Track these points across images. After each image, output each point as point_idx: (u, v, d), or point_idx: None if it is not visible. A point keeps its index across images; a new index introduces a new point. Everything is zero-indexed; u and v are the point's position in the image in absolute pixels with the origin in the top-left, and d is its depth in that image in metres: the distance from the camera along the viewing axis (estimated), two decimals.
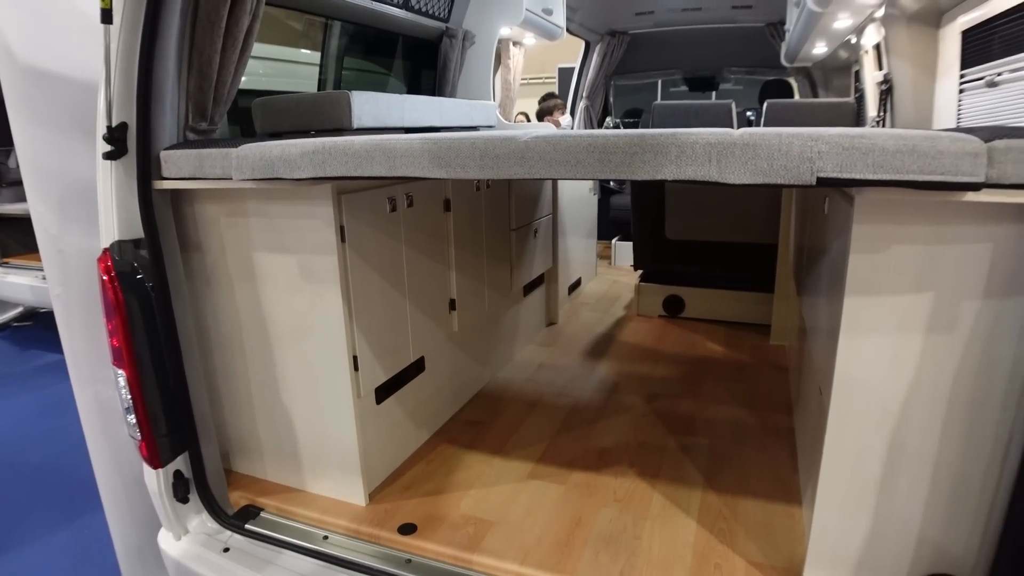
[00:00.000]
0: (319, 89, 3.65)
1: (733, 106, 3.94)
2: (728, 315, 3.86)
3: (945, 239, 1.28)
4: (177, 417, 1.99)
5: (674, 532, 1.89)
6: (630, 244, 4.26)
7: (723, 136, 1.16)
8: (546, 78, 11.09)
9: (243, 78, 2.20)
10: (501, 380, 3.04)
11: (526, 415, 2.67)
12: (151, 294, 1.89)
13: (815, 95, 5.80)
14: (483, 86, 3.92)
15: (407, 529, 1.92)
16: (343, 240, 1.85)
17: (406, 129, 2.72)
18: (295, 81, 3.90)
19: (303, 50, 3.64)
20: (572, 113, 6.27)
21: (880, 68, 3.28)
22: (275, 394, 2.10)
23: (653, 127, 3.91)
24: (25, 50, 2.05)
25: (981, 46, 2.27)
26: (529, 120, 5.54)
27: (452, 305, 2.52)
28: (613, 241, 5.65)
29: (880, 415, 1.42)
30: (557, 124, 5.71)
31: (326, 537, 1.93)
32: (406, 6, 3.18)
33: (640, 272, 4.16)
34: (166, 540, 2.02)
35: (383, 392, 2.15)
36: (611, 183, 5.87)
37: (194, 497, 2.04)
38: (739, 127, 3.98)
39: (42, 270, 5.39)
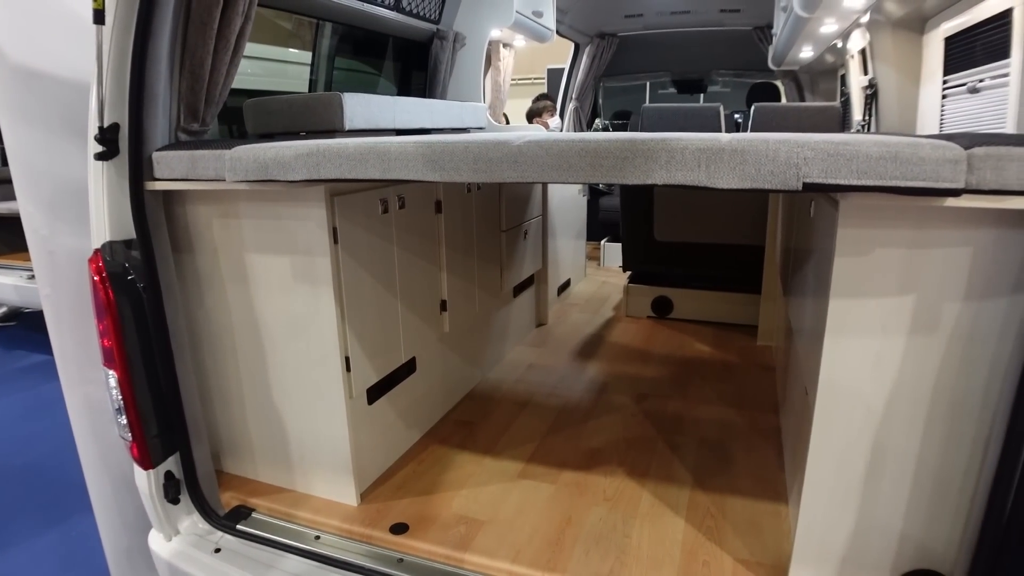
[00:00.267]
0: (310, 89, 3.66)
1: (721, 109, 3.98)
2: (716, 316, 3.90)
3: (927, 243, 1.31)
4: (168, 418, 1.99)
5: (663, 530, 1.92)
6: (619, 245, 4.30)
7: (712, 142, 1.19)
8: (535, 79, 11.12)
9: (240, 60, 2.20)
10: (492, 380, 3.06)
11: (516, 415, 2.69)
12: (142, 295, 1.90)
13: (801, 98, 5.86)
14: (474, 88, 3.94)
15: (399, 529, 1.94)
16: (336, 241, 1.86)
17: (397, 131, 2.74)
18: (286, 81, 3.91)
19: (294, 50, 3.65)
20: (561, 115, 6.29)
21: (865, 73, 3.33)
22: (267, 395, 2.11)
23: (642, 130, 3.95)
24: (15, 50, 2.05)
25: (963, 53, 2.32)
26: (509, 122, 5.55)
27: (443, 306, 2.54)
28: (602, 242, 5.69)
29: (864, 415, 1.45)
30: (546, 126, 5.73)
31: (318, 537, 1.94)
32: (397, 8, 3.19)
33: (629, 273, 4.19)
34: (156, 541, 2.02)
35: (375, 393, 2.17)
36: (600, 185, 5.90)
37: (185, 498, 2.04)
38: (727, 130, 4.03)
39: (27, 270, 5.35)
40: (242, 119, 2.58)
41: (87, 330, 2.09)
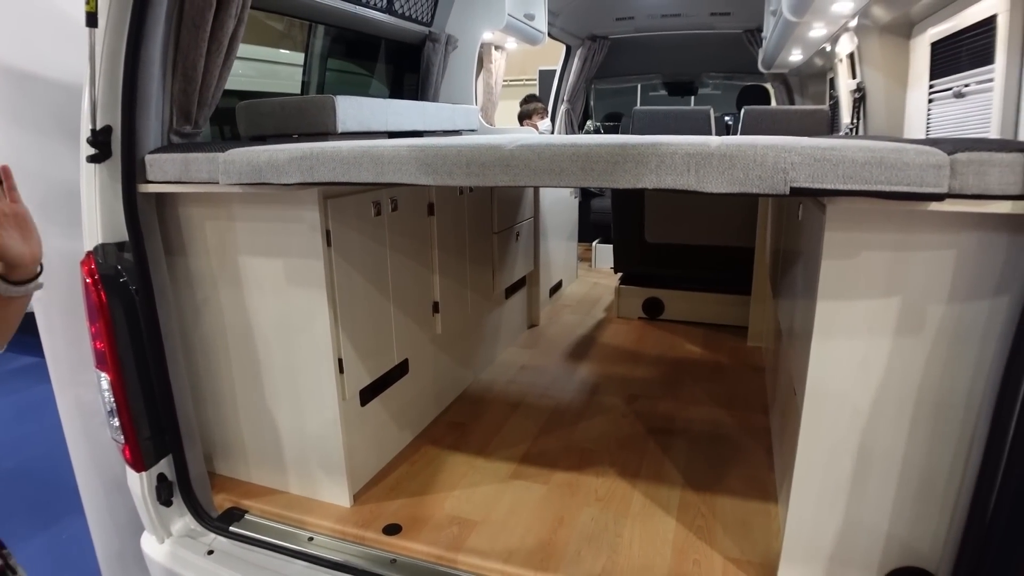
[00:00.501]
0: (302, 91, 3.66)
1: (711, 112, 4.01)
2: (706, 317, 3.93)
3: (912, 246, 1.33)
4: (161, 420, 2.00)
5: (654, 530, 1.93)
6: (610, 246, 4.32)
7: (701, 147, 1.21)
8: (527, 80, 11.12)
9: (233, 63, 2.21)
10: (484, 381, 3.07)
11: (509, 416, 2.70)
12: (135, 297, 1.90)
13: (791, 100, 5.90)
14: (466, 90, 3.95)
15: (392, 530, 1.95)
16: (328, 244, 1.87)
17: (390, 133, 2.75)
18: (277, 82, 3.90)
19: (286, 51, 3.64)
20: (553, 117, 6.31)
21: (854, 76, 3.36)
22: (260, 397, 2.11)
23: (633, 132, 3.98)
24: (7, 51, 2.04)
25: (949, 58, 2.35)
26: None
27: (435, 308, 2.55)
28: (594, 243, 5.71)
29: (851, 415, 1.47)
30: (535, 128, 5.75)
31: (311, 538, 1.95)
32: (389, 10, 3.20)
33: (620, 275, 4.22)
34: (149, 544, 2.02)
35: (367, 394, 2.18)
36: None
37: (178, 500, 2.05)
38: (717, 132, 4.06)
39: None
40: (234, 120, 2.59)
41: (79, 332, 2.08)
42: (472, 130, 3.68)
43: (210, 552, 1.95)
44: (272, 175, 1.60)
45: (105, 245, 1.90)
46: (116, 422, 1.94)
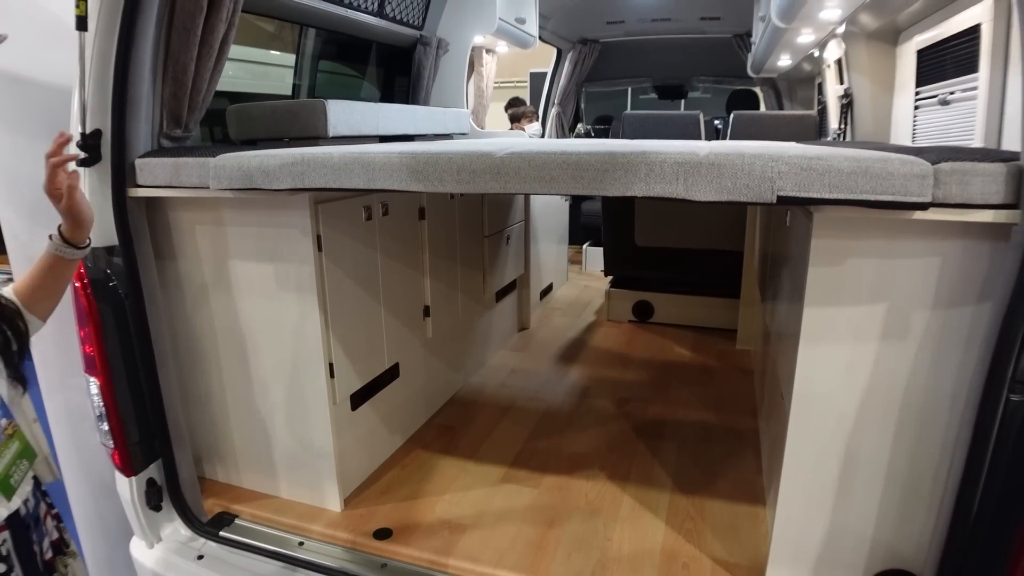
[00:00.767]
0: (293, 93, 3.65)
1: (701, 117, 4.04)
2: (696, 320, 3.95)
3: (897, 253, 1.35)
4: (150, 425, 1.99)
5: (643, 533, 1.95)
6: (601, 249, 4.34)
7: (690, 156, 1.22)
8: (517, 82, 11.12)
9: (224, 67, 2.21)
10: (474, 385, 3.08)
11: (499, 420, 2.71)
12: (124, 301, 1.89)
13: (780, 105, 5.94)
14: (457, 93, 3.96)
15: (382, 534, 1.95)
16: (320, 249, 1.87)
17: (381, 137, 2.75)
18: (268, 83, 3.90)
19: (277, 52, 3.64)
20: (544, 120, 6.32)
21: (841, 82, 3.39)
22: (250, 401, 2.11)
23: (623, 136, 4.00)
24: None
25: (934, 65, 2.38)
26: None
27: (426, 312, 2.56)
28: (584, 246, 5.73)
29: (837, 419, 1.49)
30: (523, 131, 5.76)
31: (302, 543, 1.95)
32: (380, 14, 3.21)
33: (610, 278, 4.24)
34: (138, 549, 2.02)
35: (358, 398, 2.18)
36: None
37: (167, 505, 2.04)
38: (707, 136, 4.08)
39: (6, 274, 5.27)
40: (223, 121, 2.58)
41: (68, 336, 2.07)
42: (463, 133, 3.69)
43: (200, 557, 1.95)
44: (263, 181, 1.60)
45: (95, 249, 1.89)
46: (105, 427, 1.94)
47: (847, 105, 3.26)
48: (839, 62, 3.37)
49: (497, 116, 6.50)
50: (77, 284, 1.84)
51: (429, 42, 3.66)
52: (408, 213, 2.38)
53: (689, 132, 3.97)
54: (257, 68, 4.12)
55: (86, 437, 2.23)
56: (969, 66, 2.00)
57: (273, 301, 1.96)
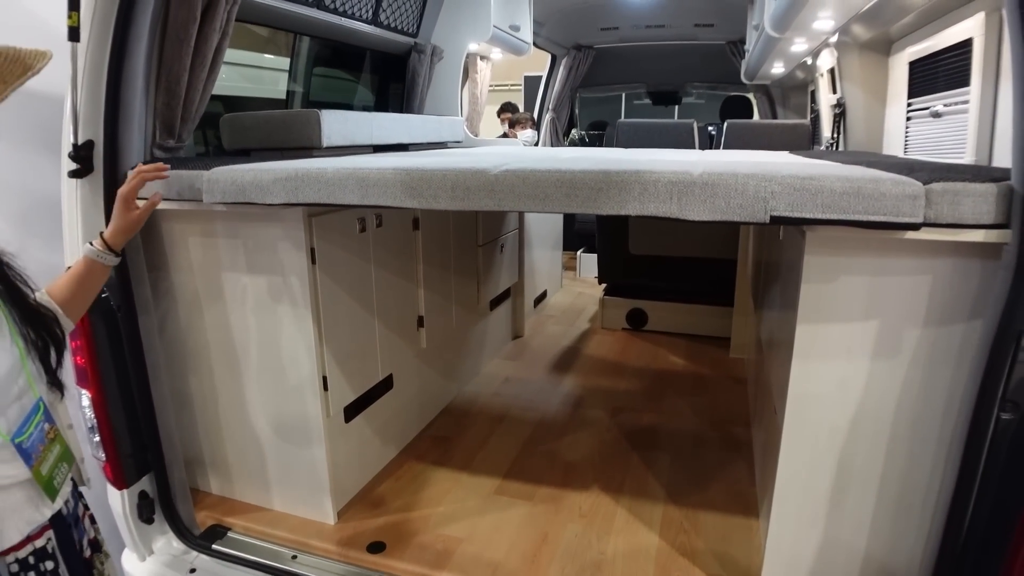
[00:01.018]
0: (287, 98, 3.64)
1: (695, 125, 4.04)
2: (689, 328, 3.96)
3: (889, 271, 1.36)
4: (143, 437, 1.98)
5: (637, 546, 1.95)
6: (595, 256, 4.35)
7: (684, 175, 1.22)
8: (512, 85, 11.12)
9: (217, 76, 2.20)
10: (468, 394, 3.08)
11: (493, 430, 2.70)
12: (117, 313, 1.88)
13: (773, 111, 5.96)
14: (451, 100, 3.96)
15: (376, 547, 1.95)
16: (313, 262, 1.87)
17: (375, 147, 2.75)
18: (263, 87, 3.88)
19: (271, 56, 3.63)
20: (538, 126, 6.33)
21: (834, 91, 3.40)
22: (243, 413, 2.10)
23: (617, 144, 4.00)
24: None
25: (926, 77, 2.39)
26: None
27: (420, 322, 2.55)
28: (578, 253, 5.73)
29: (829, 435, 1.49)
30: (515, 137, 5.77)
31: (295, 556, 1.94)
32: (375, 22, 3.21)
33: (604, 286, 4.24)
34: (130, 561, 2.00)
35: (352, 411, 2.17)
36: None
37: (159, 517, 2.03)
38: (700, 144, 4.09)
39: None
40: (217, 125, 2.57)
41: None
42: (458, 141, 3.69)
43: (192, 571, 1.94)
44: (256, 195, 1.60)
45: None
46: (97, 439, 1.92)
47: (840, 115, 3.27)
48: (832, 71, 3.38)
49: (491, 121, 6.50)
50: None
51: (423, 49, 3.66)
52: (402, 224, 2.37)
53: (683, 140, 3.97)
54: (251, 72, 4.11)
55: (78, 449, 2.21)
56: (961, 80, 2.01)
57: (266, 314, 1.95)
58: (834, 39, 3.10)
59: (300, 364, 1.95)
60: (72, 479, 1.40)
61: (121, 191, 1.59)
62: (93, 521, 1.51)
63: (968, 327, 1.34)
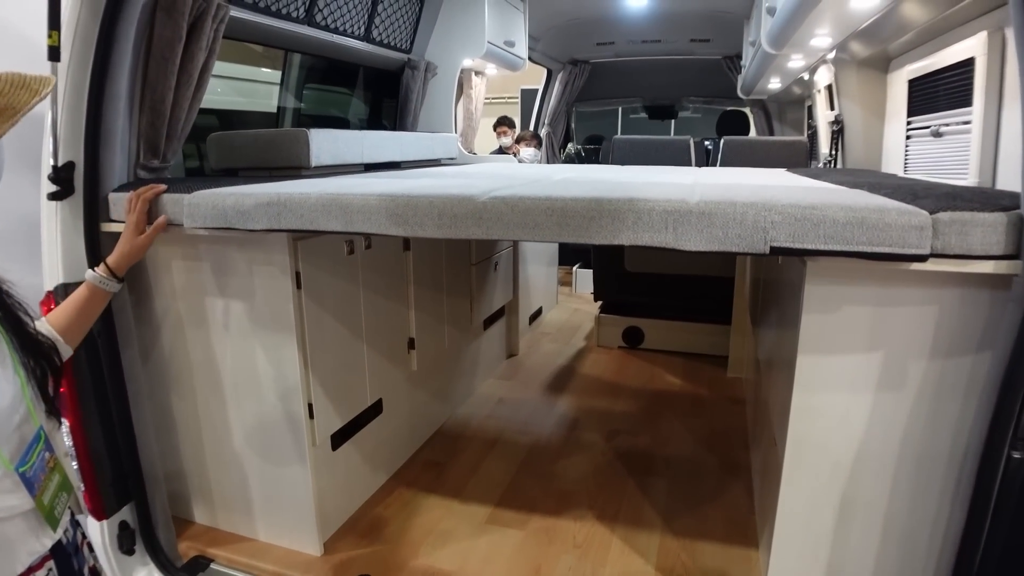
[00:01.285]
0: (278, 114, 3.60)
1: (691, 141, 4.00)
2: (686, 346, 3.90)
3: (893, 301, 1.31)
4: (123, 466, 1.93)
5: None
6: (591, 271, 4.30)
7: (679, 203, 1.17)
8: (508, 98, 11.13)
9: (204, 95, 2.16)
10: (461, 416, 3.01)
11: (485, 454, 2.64)
12: (97, 339, 1.83)
13: (770, 126, 5.94)
14: (445, 116, 3.92)
15: None
16: (298, 287, 1.81)
17: (366, 166, 2.70)
18: (257, 101, 3.84)
19: (267, 70, 3.59)
20: (541, 143, 6.28)
21: (832, 107, 3.37)
22: (227, 441, 2.04)
23: (612, 161, 3.96)
24: None
25: (926, 96, 2.35)
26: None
27: (411, 344, 2.49)
28: (574, 268, 5.68)
29: (832, 470, 1.44)
30: (516, 155, 5.71)
31: None
32: (367, 38, 3.17)
33: (600, 303, 4.18)
34: None
35: (339, 438, 2.11)
36: None
37: (140, 548, 1.97)
38: (697, 159, 4.05)
39: None
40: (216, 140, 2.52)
41: None
42: (451, 158, 3.64)
43: None
44: (238, 220, 1.55)
45: (67, 285, 1.82)
46: (75, 467, 1.86)
47: (838, 131, 3.23)
48: (829, 87, 3.35)
49: (487, 135, 6.47)
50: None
51: (417, 65, 3.62)
52: (392, 245, 2.32)
53: (679, 156, 3.93)
54: (244, 86, 4.07)
55: None
56: (963, 100, 1.97)
57: (251, 340, 1.90)
58: (831, 56, 3.07)
59: (285, 392, 1.90)
60: (70, 508, 1.37)
61: (133, 219, 1.66)
62: (91, 549, 1.48)
63: (976, 360, 1.29)
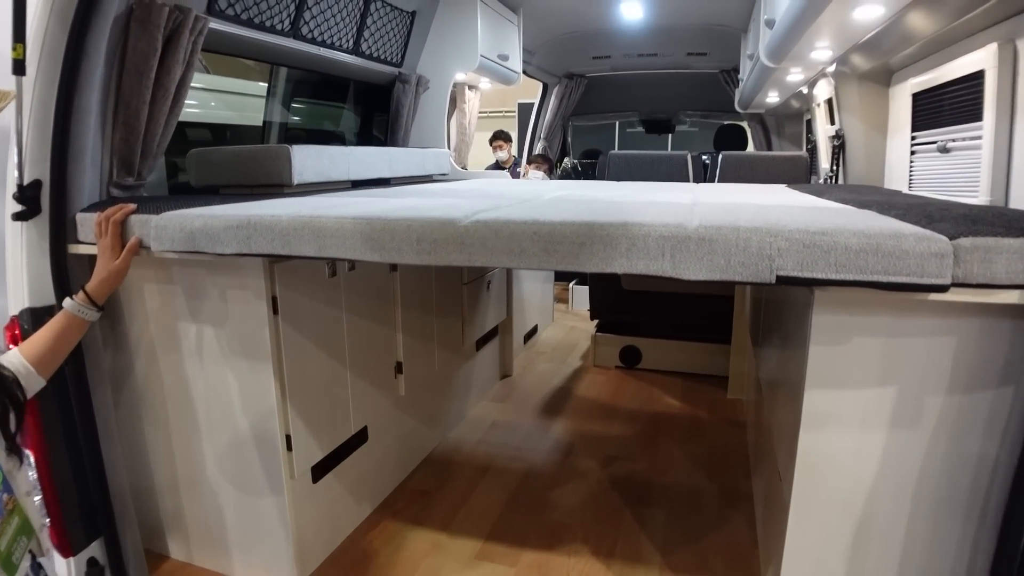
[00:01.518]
0: (263, 129, 3.51)
1: (689, 156, 3.91)
2: (685, 367, 3.80)
3: (908, 331, 1.21)
4: (92, 499, 1.82)
5: None
6: (588, 288, 4.20)
7: (677, 229, 1.08)
8: (506, 112, 11.10)
9: (192, 109, 2.08)
10: (452, 441, 2.90)
11: (476, 482, 2.53)
12: (64, 367, 1.72)
13: (768, 140, 5.87)
14: (437, 131, 3.84)
15: None
16: (275, 312, 1.71)
17: (353, 183, 2.61)
18: (248, 115, 3.77)
19: (262, 84, 3.52)
20: (530, 153, 6.20)
21: (832, 122, 3.30)
22: (202, 474, 1.93)
23: (608, 177, 3.87)
24: None
25: (932, 110, 2.27)
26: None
27: (399, 368, 2.39)
28: (571, 285, 5.58)
29: (843, 513, 1.34)
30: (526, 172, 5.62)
31: None
32: (356, 51, 3.09)
33: (596, 322, 4.08)
34: None
35: (320, 469, 2.00)
36: None
37: None
38: (695, 174, 3.96)
39: None
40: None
41: None
42: (443, 174, 3.56)
43: None
44: (206, 243, 1.45)
45: (33, 309, 1.73)
46: (39, 503, 1.76)
47: (839, 146, 3.15)
48: (829, 101, 3.28)
49: (483, 150, 6.40)
50: (11, 347, 1.68)
51: (408, 79, 3.54)
52: (378, 266, 2.22)
53: (677, 172, 3.84)
54: (239, 100, 3.99)
55: None
56: (972, 114, 1.89)
57: (225, 368, 1.80)
58: (832, 69, 2.99)
59: (262, 422, 1.79)
60: (31, 551, 1.28)
61: (106, 243, 1.58)
62: None
63: (998, 395, 1.20)
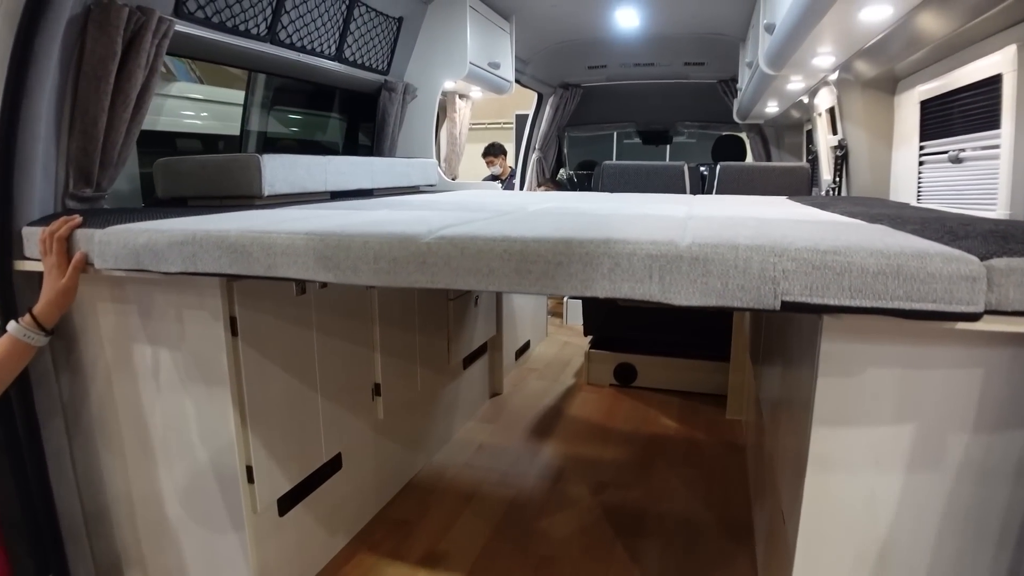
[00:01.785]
0: (241, 138, 3.39)
1: (686, 168, 3.78)
2: (682, 385, 3.65)
3: (929, 362, 1.08)
4: (41, 533, 1.69)
5: None
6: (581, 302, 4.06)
7: (667, 247, 0.95)
8: (504, 123, 11.01)
9: (167, 118, 1.95)
10: (436, 465, 2.76)
11: (460, 511, 2.38)
12: (8, 392, 1.59)
13: (767, 151, 5.76)
14: (425, 141, 3.71)
15: None
16: (234, 334, 1.58)
17: (332, 194, 2.48)
18: (229, 124, 3.66)
19: (239, 91, 3.40)
20: (524, 165, 6.09)
21: (834, 132, 3.17)
22: (160, 507, 1.79)
23: (602, 188, 3.74)
24: None
25: (941, 119, 2.15)
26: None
27: (377, 390, 2.25)
28: (565, 298, 5.45)
29: (854, 563, 1.20)
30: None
31: None
32: (339, 58, 2.96)
33: (591, 338, 3.94)
34: None
35: (287, 501, 1.86)
36: None
37: None
38: (692, 186, 3.83)
39: None
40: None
41: None
42: (431, 185, 3.43)
43: None
44: (151, 261, 1.32)
45: None
46: None
47: (842, 157, 3.03)
48: (831, 110, 3.16)
49: (476, 161, 6.29)
50: None
51: (395, 87, 3.42)
52: None
53: (674, 183, 3.71)
54: (226, 110, 3.88)
55: None
56: (987, 122, 1.76)
57: (182, 394, 1.66)
58: (834, 76, 2.88)
59: (220, 452, 1.65)
60: None
61: (52, 261, 1.48)
62: None
63: None
